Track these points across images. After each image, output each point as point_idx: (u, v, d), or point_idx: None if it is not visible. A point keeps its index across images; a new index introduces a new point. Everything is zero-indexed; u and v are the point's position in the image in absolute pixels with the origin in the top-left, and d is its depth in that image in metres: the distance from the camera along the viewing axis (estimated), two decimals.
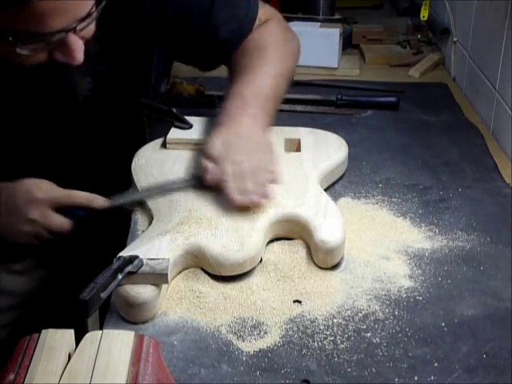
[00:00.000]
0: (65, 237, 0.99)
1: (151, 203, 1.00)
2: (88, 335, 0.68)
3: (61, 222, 0.99)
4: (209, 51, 1.13)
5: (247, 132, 1.01)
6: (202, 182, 0.98)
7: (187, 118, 1.20)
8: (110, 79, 1.08)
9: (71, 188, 0.99)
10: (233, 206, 0.94)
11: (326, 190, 1.06)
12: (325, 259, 0.91)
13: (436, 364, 0.77)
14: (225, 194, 0.94)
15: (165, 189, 1.01)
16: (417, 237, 0.99)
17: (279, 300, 0.86)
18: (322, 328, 0.82)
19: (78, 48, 0.87)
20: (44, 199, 0.98)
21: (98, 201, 0.99)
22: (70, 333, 0.68)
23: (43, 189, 0.99)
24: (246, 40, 1.12)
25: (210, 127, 1.17)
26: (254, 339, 0.80)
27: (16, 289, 1.19)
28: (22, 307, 1.20)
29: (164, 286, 0.85)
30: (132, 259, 0.82)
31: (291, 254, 0.94)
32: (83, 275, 0.80)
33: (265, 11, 1.17)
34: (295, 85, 1.54)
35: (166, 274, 0.83)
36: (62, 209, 0.99)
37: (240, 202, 0.93)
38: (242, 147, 0.98)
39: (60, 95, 1.01)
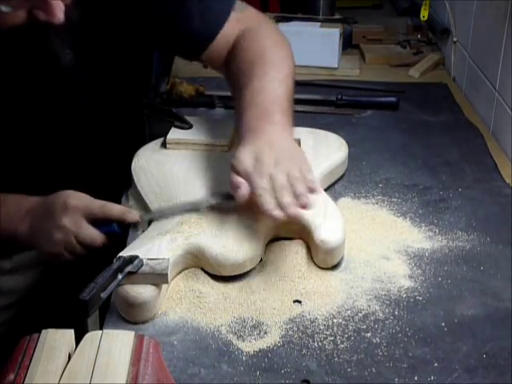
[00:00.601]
0: (95, 251, 0.96)
1: (151, 203, 1.00)
2: (88, 335, 0.68)
3: (93, 234, 0.95)
4: (183, 40, 1.10)
5: (275, 141, 0.94)
6: (231, 199, 0.91)
7: (187, 117, 1.20)
8: (109, 79, 1.08)
9: (72, 188, 0.99)
10: (274, 220, 0.88)
11: (326, 190, 1.06)
12: (325, 259, 0.91)
13: (436, 364, 0.77)
14: (262, 210, 0.86)
15: (195, 206, 0.95)
16: (417, 237, 0.99)
17: (279, 300, 0.86)
18: (321, 328, 0.82)
19: (58, 5, 0.87)
20: (78, 207, 0.94)
21: (132, 215, 0.95)
22: (69, 333, 0.68)
23: (79, 197, 0.96)
24: (241, 47, 1.10)
25: (211, 127, 1.17)
26: (254, 339, 0.80)
27: (13, 287, 1.19)
28: (20, 306, 1.20)
29: (164, 286, 0.85)
30: (132, 259, 0.82)
31: (291, 254, 0.94)
32: (83, 275, 0.80)
33: (253, 15, 1.15)
34: (295, 85, 1.55)
35: (166, 274, 0.83)
36: (96, 222, 0.95)
37: (280, 216, 0.85)
38: (272, 158, 0.90)
39: (42, 64, 0.99)
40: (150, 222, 0.95)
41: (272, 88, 1.03)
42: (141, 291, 0.81)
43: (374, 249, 0.96)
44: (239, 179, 0.89)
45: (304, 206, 0.86)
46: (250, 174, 0.89)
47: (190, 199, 0.98)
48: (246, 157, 0.91)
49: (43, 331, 0.68)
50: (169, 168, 1.08)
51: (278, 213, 0.85)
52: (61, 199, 0.96)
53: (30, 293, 1.21)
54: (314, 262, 0.92)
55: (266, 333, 0.81)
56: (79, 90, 1.05)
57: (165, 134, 1.15)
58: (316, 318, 0.83)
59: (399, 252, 0.96)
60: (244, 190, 0.88)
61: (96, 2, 1.02)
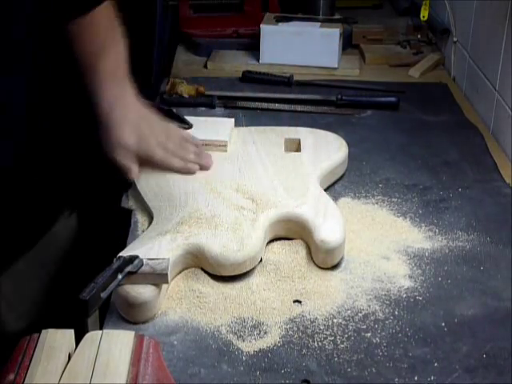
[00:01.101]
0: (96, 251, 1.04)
1: (151, 203, 1.00)
2: (88, 335, 0.68)
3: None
4: None
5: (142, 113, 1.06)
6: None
7: (187, 117, 1.20)
8: None
9: (71, 187, 0.99)
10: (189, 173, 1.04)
11: (326, 190, 1.06)
12: (325, 259, 0.91)
13: (436, 364, 0.77)
14: (174, 170, 1.03)
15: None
16: (417, 237, 0.99)
17: (279, 300, 0.86)
18: (321, 328, 0.82)
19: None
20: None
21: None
22: (70, 333, 0.68)
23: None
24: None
25: (211, 127, 1.17)
26: (254, 339, 0.80)
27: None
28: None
29: (164, 286, 0.85)
30: (132, 259, 0.82)
31: (291, 254, 0.94)
32: (83, 275, 0.80)
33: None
34: (295, 85, 1.55)
35: (166, 274, 0.83)
36: None
37: (195, 169, 1.03)
38: (148, 129, 1.05)
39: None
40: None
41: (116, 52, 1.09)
42: (141, 291, 0.81)
43: (374, 249, 0.96)
44: (128, 163, 1.02)
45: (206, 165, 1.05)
46: (142, 152, 1.03)
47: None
48: (126, 133, 1.03)
49: (43, 331, 0.68)
50: None
51: (192, 166, 1.04)
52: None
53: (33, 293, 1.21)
54: (314, 261, 0.92)
55: (265, 333, 0.81)
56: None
57: None
58: (316, 318, 0.83)
59: (399, 252, 0.96)
60: (135, 169, 1.03)
61: None
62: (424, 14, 1.76)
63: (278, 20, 1.66)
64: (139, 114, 1.06)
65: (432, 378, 0.75)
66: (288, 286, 0.88)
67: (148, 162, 1.05)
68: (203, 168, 1.06)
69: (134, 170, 1.03)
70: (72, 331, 0.69)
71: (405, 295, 0.88)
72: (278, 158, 1.11)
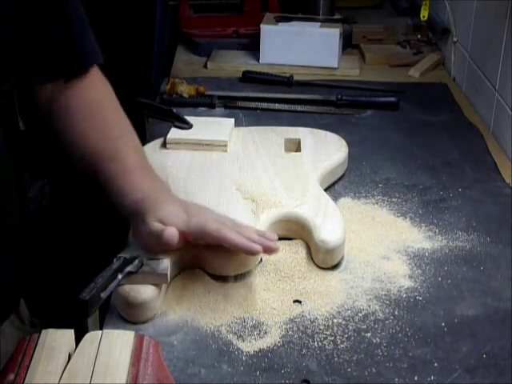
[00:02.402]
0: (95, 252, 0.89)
1: None
2: (88, 335, 0.68)
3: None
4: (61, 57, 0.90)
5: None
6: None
7: (187, 117, 1.20)
8: (109, 79, 1.08)
9: (72, 187, 0.98)
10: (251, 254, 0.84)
11: (326, 190, 1.06)
12: (325, 259, 0.91)
13: (436, 364, 0.77)
14: (234, 247, 0.83)
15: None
16: (417, 237, 0.99)
17: (279, 300, 0.86)
18: (321, 328, 0.82)
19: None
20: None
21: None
22: (70, 333, 0.68)
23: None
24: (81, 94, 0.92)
25: (211, 127, 1.17)
26: (254, 339, 0.80)
27: None
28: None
29: (164, 286, 0.85)
30: (132, 259, 0.82)
31: (291, 254, 0.94)
32: (83, 275, 0.80)
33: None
34: (295, 85, 1.55)
35: (166, 274, 0.83)
36: None
37: (258, 249, 0.82)
38: (197, 207, 0.87)
39: None
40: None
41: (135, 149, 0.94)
42: (141, 291, 0.81)
43: (374, 249, 0.96)
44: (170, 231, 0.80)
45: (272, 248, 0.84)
46: (194, 228, 0.83)
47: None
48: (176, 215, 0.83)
49: (43, 331, 0.68)
50: (169, 168, 1.08)
51: (254, 245, 0.82)
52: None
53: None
54: (314, 261, 0.92)
55: (265, 333, 0.81)
56: None
57: (165, 134, 1.16)
58: (316, 318, 0.83)
59: (399, 252, 0.96)
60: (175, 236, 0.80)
61: None
62: (424, 13, 1.76)
63: (278, 20, 1.66)
64: (180, 200, 0.89)
65: (432, 377, 0.75)
66: (288, 286, 0.88)
67: (200, 239, 0.85)
68: (268, 251, 0.85)
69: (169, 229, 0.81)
70: (72, 331, 0.69)
71: (405, 295, 0.88)
72: (277, 158, 1.11)
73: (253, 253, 0.83)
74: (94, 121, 0.89)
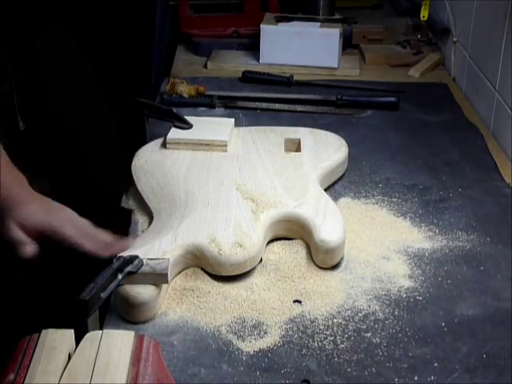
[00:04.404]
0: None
1: (151, 203, 1.00)
2: (88, 335, 0.68)
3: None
4: None
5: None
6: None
7: (187, 117, 1.20)
8: (109, 79, 1.08)
9: (72, 187, 0.99)
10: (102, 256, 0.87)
11: (326, 190, 1.06)
12: (325, 259, 0.91)
13: (436, 364, 0.77)
14: (71, 240, 0.87)
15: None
16: (417, 237, 0.99)
17: (279, 300, 0.86)
18: (321, 328, 0.82)
19: None
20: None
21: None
22: (70, 333, 0.68)
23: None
24: None
25: (211, 127, 1.17)
26: (254, 339, 0.80)
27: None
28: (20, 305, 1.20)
29: (164, 286, 0.85)
30: (132, 259, 0.82)
31: (291, 254, 0.94)
32: (83, 275, 0.80)
33: None
34: (295, 85, 1.55)
35: (166, 274, 0.83)
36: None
37: (109, 252, 0.86)
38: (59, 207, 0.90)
39: None
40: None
41: None
42: (141, 291, 0.81)
43: (374, 249, 0.96)
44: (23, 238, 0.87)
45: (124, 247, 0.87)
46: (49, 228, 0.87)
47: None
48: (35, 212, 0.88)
49: (43, 331, 0.69)
50: (169, 168, 1.08)
51: (105, 251, 0.86)
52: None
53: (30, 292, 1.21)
54: (314, 261, 0.92)
55: (265, 333, 0.81)
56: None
57: (165, 134, 1.16)
58: (316, 318, 0.83)
59: (399, 252, 0.96)
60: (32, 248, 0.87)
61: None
62: (424, 13, 1.76)
63: (278, 20, 1.66)
64: (40, 198, 0.92)
65: (432, 377, 0.75)
66: (288, 286, 0.88)
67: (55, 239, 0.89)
68: (121, 249, 0.88)
69: (29, 244, 0.88)
70: (72, 331, 0.69)
71: (405, 295, 0.88)
72: (277, 158, 1.11)
73: (102, 256, 0.87)
74: None
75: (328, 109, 1.43)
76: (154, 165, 1.09)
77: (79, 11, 1.18)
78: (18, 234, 0.87)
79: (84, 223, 0.90)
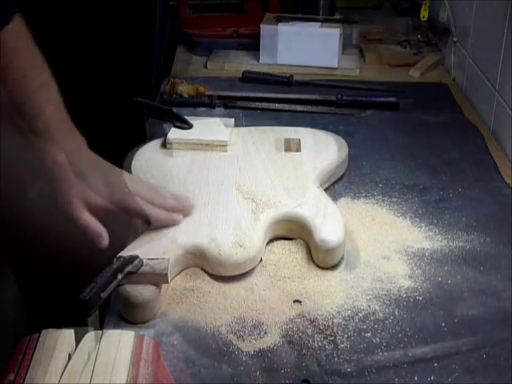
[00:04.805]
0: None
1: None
2: (88, 335, 0.68)
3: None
4: None
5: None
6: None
7: (187, 118, 1.20)
8: (109, 79, 1.08)
9: None
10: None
11: (326, 190, 1.06)
12: (325, 259, 0.91)
13: (436, 364, 0.77)
14: (158, 223, 0.89)
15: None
16: (417, 237, 0.99)
17: (279, 300, 0.86)
18: (321, 328, 0.82)
19: None
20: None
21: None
22: (70, 333, 0.68)
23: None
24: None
25: (211, 127, 1.17)
26: (254, 339, 0.80)
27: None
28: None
29: (164, 286, 0.85)
30: (132, 259, 0.82)
31: (291, 254, 0.94)
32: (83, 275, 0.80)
33: None
34: (295, 85, 1.55)
35: (166, 274, 0.83)
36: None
37: (179, 220, 0.89)
38: (118, 178, 0.89)
39: None
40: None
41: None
42: (141, 291, 0.81)
43: (374, 249, 0.96)
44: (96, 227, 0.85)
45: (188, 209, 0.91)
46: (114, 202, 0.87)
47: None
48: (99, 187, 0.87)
49: (43, 331, 0.69)
50: (169, 168, 1.08)
51: (176, 216, 0.89)
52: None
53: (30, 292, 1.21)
54: (314, 261, 0.92)
55: (265, 333, 0.81)
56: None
57: (165, 134, 1.16)
58: (316, 318, 0.83)
59: (399, 252, 0.96)
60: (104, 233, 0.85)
61: None
62: (424, 14, 1.76)
63: (278, 20, 1.66)
64: (102, 165, 0.92)
65: (432, 377, 0.75)
66: (288, 286, 0.88)
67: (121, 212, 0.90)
68: (186, 214, 0.92)
69: (103, 235, 0.86)
70: (72, 331, 0.69)
71: (405, 295, 0.88)
72: (277, 158, 1.11)
73: (175, 224, 0.90)
74: (10, 71, 0.86)
75: (328, 109, 1.43)
76: (153, 165, 1.09)
77: (79, 11, 1.18)
78: (90, 220, 0.84)
79: (144, 187, 0.91)
